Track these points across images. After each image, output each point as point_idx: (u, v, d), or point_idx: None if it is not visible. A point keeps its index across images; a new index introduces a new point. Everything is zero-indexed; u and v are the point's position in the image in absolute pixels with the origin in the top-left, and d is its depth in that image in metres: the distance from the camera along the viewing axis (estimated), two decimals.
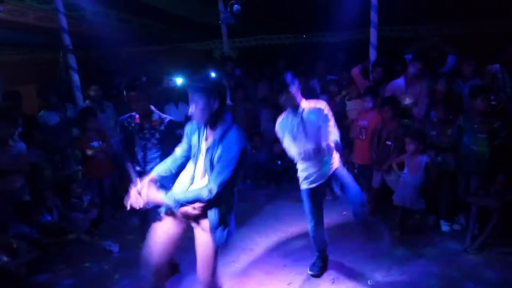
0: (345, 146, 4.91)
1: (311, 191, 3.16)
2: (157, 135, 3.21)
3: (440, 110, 3.97)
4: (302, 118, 3.06)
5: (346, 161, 4.83)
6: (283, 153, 5.48)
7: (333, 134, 2.97)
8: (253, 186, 5.66)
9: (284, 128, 3.12)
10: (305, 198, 3.22)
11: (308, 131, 3.02)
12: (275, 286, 3.26)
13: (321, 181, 3.13)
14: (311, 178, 3.13)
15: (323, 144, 2.89)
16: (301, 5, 5.83)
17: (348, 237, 3.94)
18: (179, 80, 6.06)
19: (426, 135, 3.96)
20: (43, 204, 4.14)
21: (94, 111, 4.44)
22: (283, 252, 3.77)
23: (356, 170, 4.68)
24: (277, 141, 5.55)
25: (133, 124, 3.25)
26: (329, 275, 3.35)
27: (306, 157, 2.96)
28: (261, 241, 3.99)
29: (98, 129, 4.44)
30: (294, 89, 3.03)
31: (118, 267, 3.66)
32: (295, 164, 3.25)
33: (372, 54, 4.85)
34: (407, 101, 4.24)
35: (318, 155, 2.94)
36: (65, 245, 4.01)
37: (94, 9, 5.27)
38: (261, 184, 5.70)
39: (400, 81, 4.45)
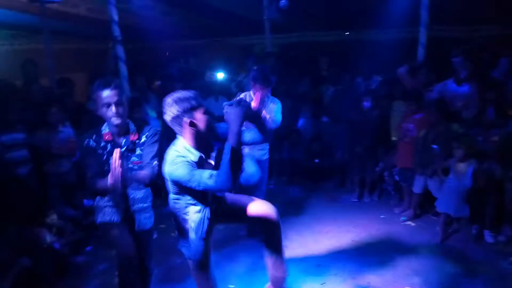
0: (388, 149, 4.83)
1: None
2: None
3: (488, 115, 3.80)
4: None
5: (387, 164, 4.74)
6: (321, 151, 5.50)
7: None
8: (288, 183, 5.64)
9: None
10: None
11: None
12: (308, 285, 3.24)
13: None
14: None
15: None
16: (346, 1, 5.72)
17: (385, 241, 3.86)
18: (219, 75, 6.12)
19: (474, 140, 3.80)
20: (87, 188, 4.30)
21: (140, 102, 4.56)
22: (317, 251, 3.73)
23: (396, 175, 4.56)
24: (315, 139, 5.57)
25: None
26: (365, 279, 3.30)
27: None
28: (295, 239, 3.97)
29: (143, 119, 4.56)
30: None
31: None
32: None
33: (421, 54, 4.69)
34: (457, 104, 4.07)
35: None
36: None
37: (142, 2, 5.42)
38: (296, 181, 5.67)
39: (449, 83, 4.29)
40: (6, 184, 3.54)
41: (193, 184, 2.18)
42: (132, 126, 2.47)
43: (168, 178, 2.28)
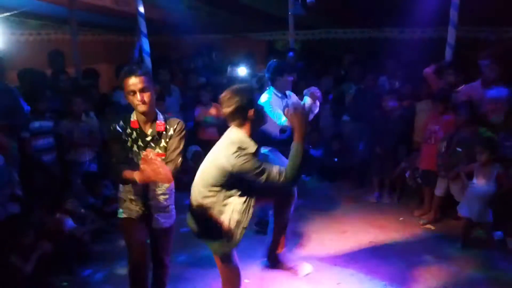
0: (411, 151, 4.75)
1: None
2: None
3: None
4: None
5: (410, 166, 4.66)
6: (340, 150, 5.45)
7: None
8: (306, 182, 5.60)
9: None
10: None
11: None
12: (323, 284, 3.22)
13: None
14: None
15: None
16: None
17: (403, 244, 3.81)
18: (241, 70, 6.12)
19: (499, 145, 3.70)
20: (108, 177, 4.38)
21: (162, 95, 4.61)
22: (334, 251, 3.71)
23: (419, 177, 4.48)
24: (335, 138, 5.51)
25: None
26: (382, 279, 3.26)
27: None
28: (313, 237, 3.95)
29: (165, 112, 4.60)
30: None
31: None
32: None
33: (448, 54, 4.57)
34: (484, 107, 3.96)
35: None
36: None
37: None
38: (315, 180, 5.63)
39: (477, 85, 4.16)
40: (32, 170, 3.65)
41: (260, 178, 2.29)
42: (160, 116, 2.39)
43: (228, 170, 2.31)
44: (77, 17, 5.56)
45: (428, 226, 4.16)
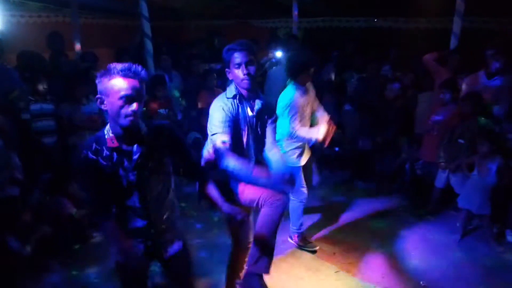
0: (410, 142, 4.72)
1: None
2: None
3: None
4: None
5: (410, 157, 4.64)
6: (341, 140, 5.41)
7: None
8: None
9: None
10: (299, 173, 3.34)
11: None
12: (322, 271, 3.24)
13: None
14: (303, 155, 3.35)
15: None
16: None
17: (401, 235, 3.82)
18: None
19: (501, 137, 3.67)
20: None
21: (163, 80, 4.57)
22: (332, 240, 3.72)
23: (418, 169, 4.46)
24: (336, 126, 5.45)
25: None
26: (380, 269, 3.27)
27: None
28: (311, 226, 3.96)
29: (166, 96, 4.57)
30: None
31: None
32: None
33: (453, 44, 4.52)
34: (487, 98, 3.92)
35: None
36: None
37: None
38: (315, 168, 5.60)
39: (480, 75, 4.12)
40: (32, 153, 3.63)
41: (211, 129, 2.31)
42: (142, 125, 1.84)
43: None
44: (78, 0, 5.49)
45: (428, 217, 4.16)
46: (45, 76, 4.06)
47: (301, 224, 3.57)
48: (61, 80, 4.32)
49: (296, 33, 6.31)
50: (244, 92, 2.36)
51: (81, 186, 1.97)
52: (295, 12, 6.04)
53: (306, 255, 3.47)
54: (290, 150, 3.27)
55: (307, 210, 4.25)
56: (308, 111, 3.29)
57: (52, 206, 3.50)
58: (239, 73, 2.29)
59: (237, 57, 2.28)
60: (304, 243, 3.57)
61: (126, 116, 1.70)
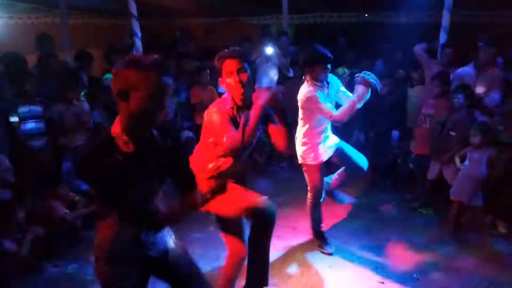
0: (404, 135, 4.73)
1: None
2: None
3: (507, 102, 3.68)
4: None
5: (402, 150, 4.66)
6: (334, 135, 5.40)
7: None
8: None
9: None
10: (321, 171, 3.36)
11: None
12: (316, 266, 3.24)
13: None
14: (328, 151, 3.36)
15: None
16: None
17: (395, 228, 3.84)
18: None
19: (493, 128, 3.70)
20: None
21: None
22: (327, 234, 3.73)
23: (411, 162, 4.48)
24: None
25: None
26: (374, 263, 3.29)
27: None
28: (305, 221, 3.95)
29: None
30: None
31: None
32: None
33: (443, 38, 4.53)
34: (478, 90, 3.94)
35: None
36: None
37: None
38: None
39: (470, 68, 4.14)
40: (22, 156, 3.61)
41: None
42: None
43: None
44: (67, 1, 5.44)
45: (420, 210, 4.18)
46: (34, 78, 4.02)
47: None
48: (51, 82, 4.28)
49: (286, 29, 6.29)
50: (239, 102, 2.28)
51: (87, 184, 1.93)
52: (285, 8, 6.02)
53: (298, 251, 3.48)
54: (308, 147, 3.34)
55: (298, 205, 4.25)
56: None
57: (44, 209, 3.48)
58: (231, 81, 2.25)
59: (229, 65, 2.25)
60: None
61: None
